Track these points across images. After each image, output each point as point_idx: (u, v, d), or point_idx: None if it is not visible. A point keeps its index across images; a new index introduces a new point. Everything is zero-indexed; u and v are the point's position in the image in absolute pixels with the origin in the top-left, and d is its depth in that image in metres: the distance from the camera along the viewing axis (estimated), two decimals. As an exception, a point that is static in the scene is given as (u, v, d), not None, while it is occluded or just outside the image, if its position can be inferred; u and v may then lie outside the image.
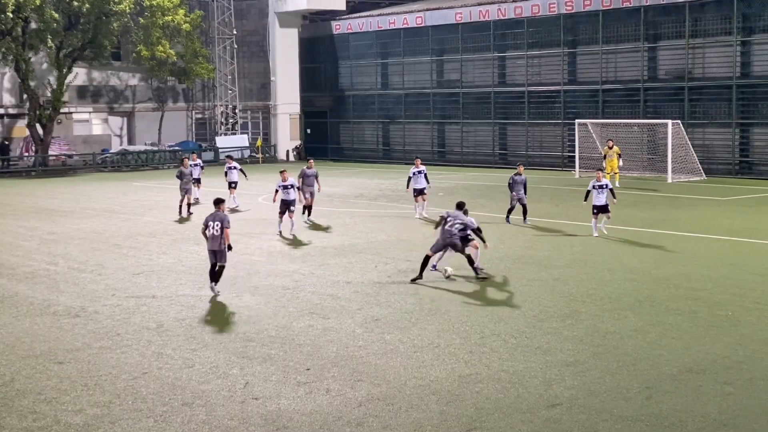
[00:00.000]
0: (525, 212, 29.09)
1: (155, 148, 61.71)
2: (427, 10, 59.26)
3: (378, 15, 63.02)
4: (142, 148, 61.64)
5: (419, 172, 30.79)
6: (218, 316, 17.32)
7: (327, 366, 13.93)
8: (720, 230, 27.36)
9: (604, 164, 42.72)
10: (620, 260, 22.54)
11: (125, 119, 65.41)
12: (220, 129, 66.24)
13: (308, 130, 67.97)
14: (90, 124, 64.37)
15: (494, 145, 56.63)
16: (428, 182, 31.26)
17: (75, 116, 62.99)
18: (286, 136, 67.33)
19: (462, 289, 19.34)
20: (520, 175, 28.98)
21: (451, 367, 13.78)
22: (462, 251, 20.41)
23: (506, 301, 18.23)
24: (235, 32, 65.90)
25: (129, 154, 59.59)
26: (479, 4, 55.73)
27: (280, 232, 27.58)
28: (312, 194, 31.04)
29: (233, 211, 33.34)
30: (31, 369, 14.02)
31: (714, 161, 46.19)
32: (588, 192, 26.61)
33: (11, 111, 60.71)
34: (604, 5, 49.70)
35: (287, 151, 66.80)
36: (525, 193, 28.96)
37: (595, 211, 26.27)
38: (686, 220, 29.69)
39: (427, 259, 20.40)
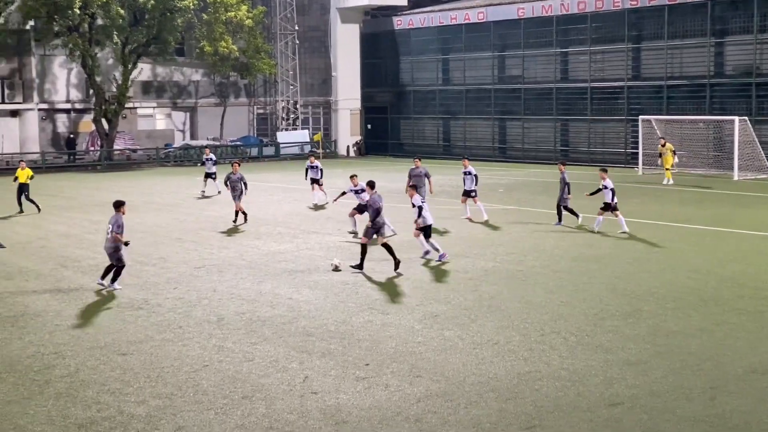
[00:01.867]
0: (564, 212, 27.89)
1: (217, 143, 62.31)
2: (489, 5, 58.97)
3: (439, 10, 62.90)
4: (205, 142, 62.27)
5: (467, 173, 29.53)
6: (278, 311, 17.42)
7: (386, 361, 13.93)
8: (787, 229, 26.82)
9: (659, 162, 42.29)
10: (684, 258, 22.20)
11: (188, 114, 66.16)
12: (281, 124, 66.65)
13: (369, 126, 68.10)
14: (154, 119, 65.26)
15: (556, 142, 56.20)
16: (476, 183, 29.65)
17: (139, 111, 63.92)
18: (347, 131, 67.55)
19: (522, 287, 19.22)
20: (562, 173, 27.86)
21: (510, 364, 13.70)
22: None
23: (566, 298, 18.06)
24: (296, 28, 66.24)
25: (191, 149, 60.26)
26: (542, 0, 55.32)
27: (354, 232, 26.53)
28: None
29: (317, 207, 33.25)
30: (95, 360, 14.24)
31: (782, 158, 45.33)
32: (598, 190, 26.82)
33: (78, 106, 61.81)
34: (670, 0, 48.99)
35: (347, 147, 67.00)
36: (568, 192, 27.65)
37: (604, 206, 26.47)
38: (752, 218, 29.15)
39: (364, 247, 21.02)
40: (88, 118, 60.90)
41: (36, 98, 59.90)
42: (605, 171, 27.21)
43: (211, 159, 39.38)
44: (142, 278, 20.82)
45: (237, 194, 29.64)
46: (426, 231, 22.39)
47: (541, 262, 21.94)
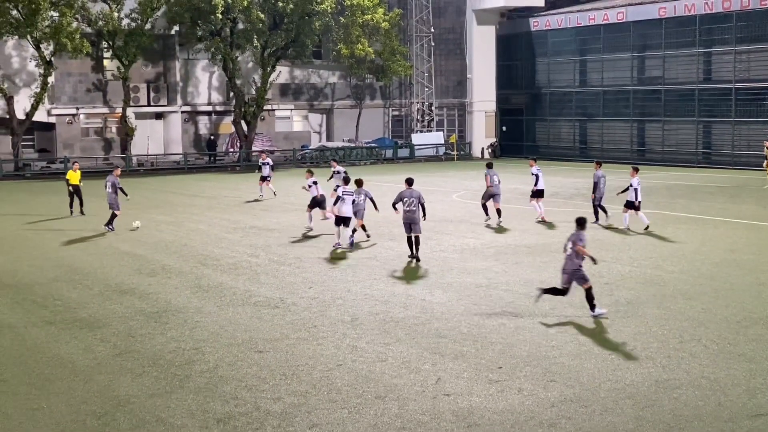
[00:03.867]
0: (599, 211, 28.77)
1: (353, 145, 62.99)
2: (629, 5, 57.82)
3: (577, 11, 62.03)
4: (340, 144, 63.06)
5: (631, 185, 27.96)
6: (411, 312, 17.48)
7: (519, 365, 13.82)
8: None
9: (765, 164, 41.15)
10: (833, 266, 21.27)
11: (324, 116, 67.11)
12: (416, 126, 66.90)
13: (504, 128, 67.70)
14: (291, 120, 66.46)
15: (697, 144, 54.65)
16: (537, 184, 29.90)
17: (277, 113, 65.19)
18: (482, 133, 67.32)
19: (660, 292, 18.76)
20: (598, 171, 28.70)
21: (647, 371, 13.39)
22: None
23: (707, 305, 17.53)
24: (432, 30, 66.38)
25: (327, 151, 61.09)
26: (684, -1, 53.94)
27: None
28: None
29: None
30: (233, 357, 14.58)
31: None
32: (627, 188, 27.43)
33: (218, 108, 63.48)
34: (820, -3, 47.06)
35: (482, 149, 66.74)
36: (602, 191, 28.57)
37: (633, 204, 27.09)
38: None
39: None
40: (228, 120, 62.51)
41: (179, 101, 61.83)
42: (636, 170, 27.72)
43: (268, 163, 39.46)
44: (278, 277, 21.21)
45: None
46: (343, 221, 24.93)
47: (680, 267, 21.38)
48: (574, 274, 16.80)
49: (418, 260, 22.60)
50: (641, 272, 20.90)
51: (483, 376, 13.29)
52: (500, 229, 28.14)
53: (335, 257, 23.74)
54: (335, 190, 26.55)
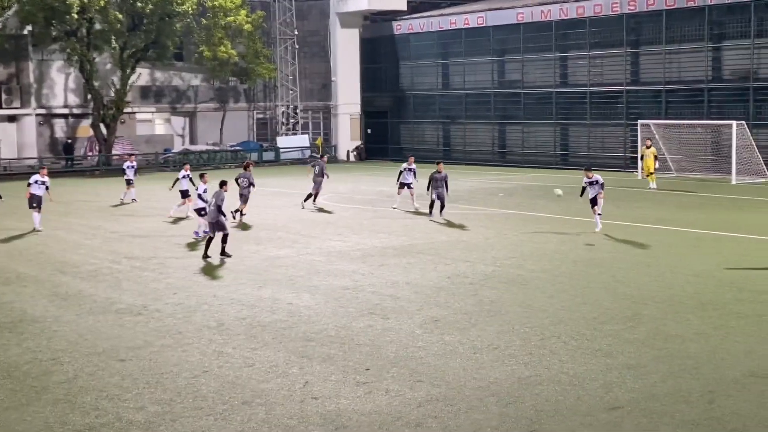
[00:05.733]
0: (442, 207, 31.15)
1: (217, 148, 62.32)
2: (489, 10, 59.01)
3: (439, 15, 62.92)
4: (204, 147, 62.28)
5: (410, 170, 34.19)
6: (278, 316, 17.40)
7: (386, 366, 13.92)
8: (786, 233, 26.83)
9: (641, 164, 42.37)
10: (683, 262, 22.20)
11: (187, 119, 66.12)
12: (281, 129, 66.65)
13: (369, 131, 68.11)
14: (153, 124, 65.21)
15: (555, 146, 56.21)
16: (415, 179, 34.20)
17: (138, 116, 63.84)
18: (347, 136, 67.54)
19: (522, 291, 19.22)
20: (440, 172, 31.11)
21: (510, 368, 13.69)
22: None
23: (566, 303, 18.06)
24: (296, 32, 66.23)
25: (191, 154, 60.21)
26: (541, 4, 55.32)
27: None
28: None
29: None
30: (93, 366, 14.21)
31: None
32: (583, 188, 27.84)
33: (76, 111, 61.74)
34: (668, 5, 49.00)
35: (347, 152, 67.00)
36: (446, 190, 31.27)
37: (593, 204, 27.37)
38: (751, 222, 29.16)
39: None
40: (86, 123, 60.84)
41: (34, 103, 59.83)
42: (589, 170, 28.12)
43: (133, 167, 38.79)
44: (141, 284, 20.80)
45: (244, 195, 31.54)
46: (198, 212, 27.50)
47: (541, 267, 21.95)
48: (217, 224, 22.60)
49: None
50: (504, 272, 21.36)
51: (350, 379, 13.34)
52: (367, 232, 28.29)
53: (200, 266, 23.42)
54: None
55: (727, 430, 11.05)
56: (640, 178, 45.00)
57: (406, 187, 34.21)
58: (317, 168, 35.40)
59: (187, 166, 34.00)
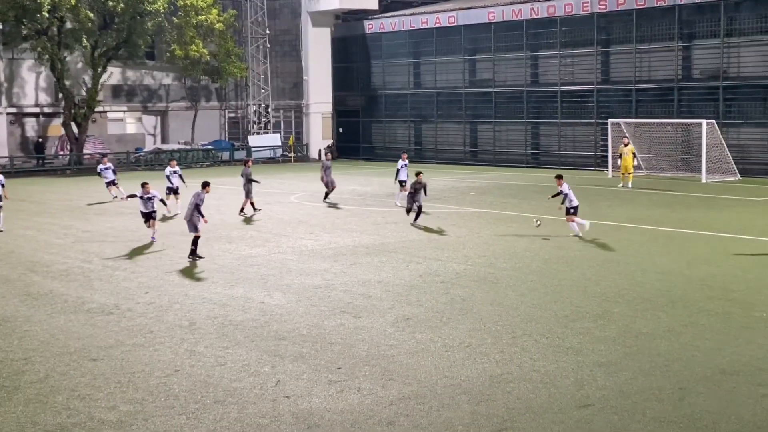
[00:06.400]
0: (418, 214, 29.60)
1: (188, 147, 62.08)
2: (460, 9, 59.14)
3: (410, 14, 63.00)
4: (176, 146, 62.03)
5: (405, 165, 35.39)
6: (250, 315, 17.39)
7: (358, 365, 13.96)
8: (754, 231, 27.10)
9: (618, 163, 42.42)
10: (653, 260, 22.39)
11: (159, 118, 65.85)
12: (253, 128, 66.50)
13: (340, 130, 68.10)
14: (124, 123, 64.88)
15: (527, 145, 56.44)
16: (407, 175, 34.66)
17: (109, 115, 63.53)
18: (319, 135, 67.50)
19: (493, 289, 19.31)
20: (420, 182, 29.57)
21: (482, 366, 13.76)
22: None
23: (537, 301, 18.17)
24: (268, 31, 66.11)
25: (162, 153, 59.95)
26: (512, 4, 55.52)
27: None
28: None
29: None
30: (65, 366, 14.16)
31: (749, 161, 45.72)
32: (565, 195, 26.35)
33: (47, 110, 61.31)
34: (638, 4, 49.35)
35: (319, 151, 66.93)
36: (425, 194, 30.00)
37: (572, 211, 26.27)
38: (720, 221, 29.44)
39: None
40: (57, 122, 60.43)
41: (4, 102, 59.38)
42: (560, 177, 27.08)
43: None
44: (112, 283, 20.72)
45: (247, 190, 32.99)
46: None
47: (512, 265, 22.06)
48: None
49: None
50: (475, 270, 21.45)
51: (323, 377, 13.36)
52: (340, 231, 28.31)
53: (172, 265, 23.34)
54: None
55: (697, 427, 11.17)
56: (611, 176, 45.29)
57: (404, 184, 34.72)
58: (325, 167, 36.99)
59: (174, 162, 34.49)
